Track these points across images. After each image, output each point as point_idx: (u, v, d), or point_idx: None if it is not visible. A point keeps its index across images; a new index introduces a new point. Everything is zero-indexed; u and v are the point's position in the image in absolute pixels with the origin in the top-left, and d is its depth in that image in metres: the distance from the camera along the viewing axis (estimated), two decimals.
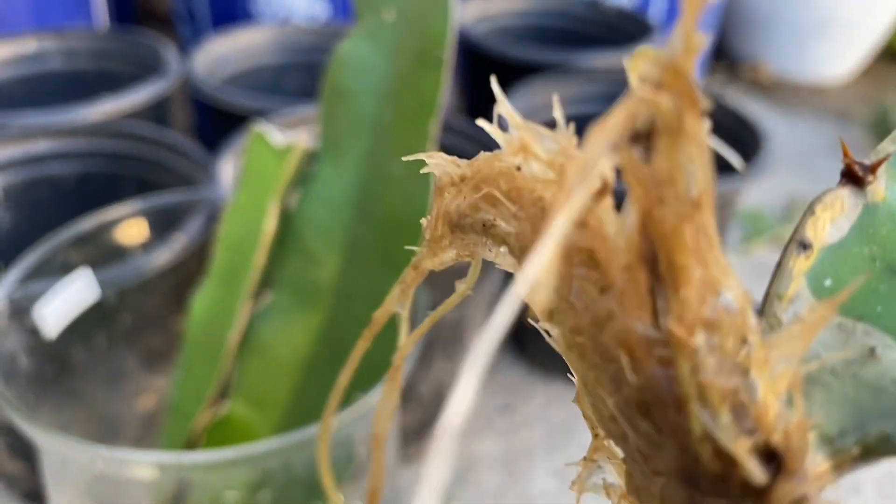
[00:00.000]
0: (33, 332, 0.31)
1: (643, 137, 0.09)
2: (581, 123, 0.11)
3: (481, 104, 0.64)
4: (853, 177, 0.12)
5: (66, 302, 0.33)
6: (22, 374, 0.30)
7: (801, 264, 0.12)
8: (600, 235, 0.10)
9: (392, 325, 0.34)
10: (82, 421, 0.38)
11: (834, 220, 0.13)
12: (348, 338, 0.32)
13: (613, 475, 0.14)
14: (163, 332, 0.40)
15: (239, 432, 0.33)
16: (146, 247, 0.36)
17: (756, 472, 0.09)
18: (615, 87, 0.57)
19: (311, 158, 0.32)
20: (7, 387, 0.28)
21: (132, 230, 0.35)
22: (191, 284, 0.40)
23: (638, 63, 0.09)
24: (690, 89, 0.09)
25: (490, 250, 0.13)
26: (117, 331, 0.37)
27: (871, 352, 0.11)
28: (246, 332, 0.33)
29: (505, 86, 0.46)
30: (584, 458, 0.15)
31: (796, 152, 0.81)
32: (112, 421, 0.39)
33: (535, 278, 0.10)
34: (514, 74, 0.57)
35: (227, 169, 0.43)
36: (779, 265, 0.11)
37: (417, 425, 0.47)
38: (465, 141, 0.47)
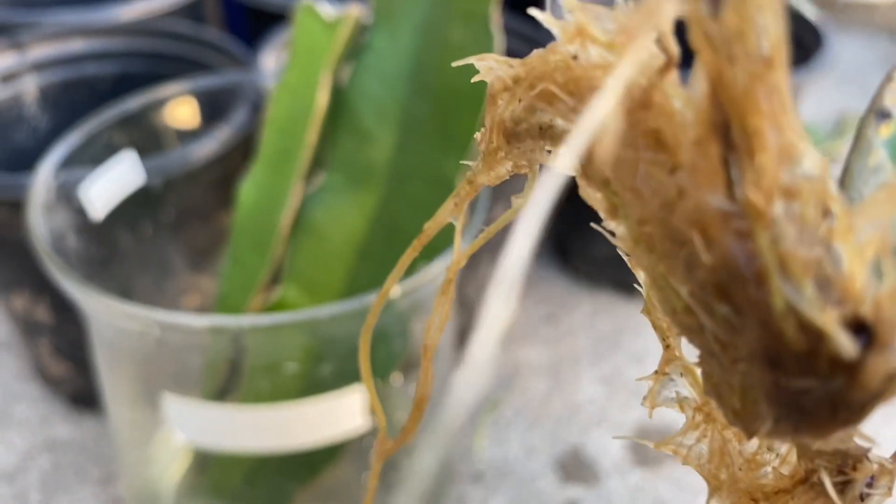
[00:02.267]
0: (80, 213, 0.31)
1: None
2: None
3: None
4: None
5: (111, 184, 0.32)
6: (72, 253, 0.30)
7: (881, 133, 0.11)
8: (667, 112, 0.10)
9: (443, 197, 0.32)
10: None
11: None
12: (403, 219, 0.31)
13: (687, 388, 0.14)
14: (206, 228, 0.40)
15: None
16: (192, 132, 0.35)
17: (846, 344, 0.09)
18: None
19: (363, 30, 0.31)
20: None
21: (178, 112, 0.34)
22: (233, 179, 0.39)
23: None
24: None
25: (548, 154, 0.12)
26: (162, 221, 0.36)
27: None
28: (298, 214, 0.32)
29: None
30: (656, 372, 0.14)
31: (847, 69, 0.79)
32: None
33: (595, 131, 0.09)
34: None
35: (269, 64, 0.42)
36: (857, 137, 0.11)
37: (464, 328, 0.46)
38: (518, 40, 0.45)
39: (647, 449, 0.44)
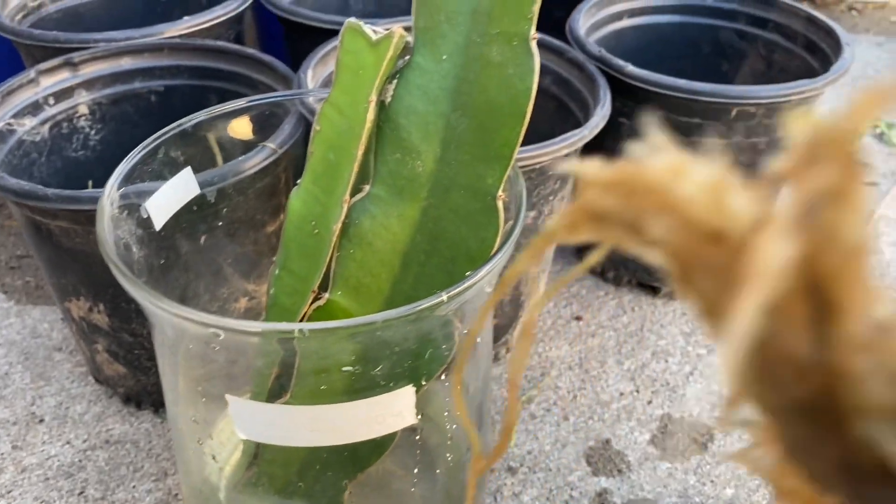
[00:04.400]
0: (143, 224, 0.33)
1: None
2: None
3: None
4: None
5: (170, 196, 0.34)
6: (135, 262, 0.32)
7: None
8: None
9: (491, 214, 0.34)
10: None
11: None
12: (445, 227, 0.33)
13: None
14: (253, 238, 0.42)
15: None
16: (242, 146, 0.37)
17: None
18: None
19: (406, 49, 0.32)
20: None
21: (230, 128, 0.36)
22: (277, 191, 0.41)
23: (800, 126, 0.10)
24: (852, 164, 0.10)
25: (633, 244, 0.13)
26: (215, 231, 0.38)
27: None
28: (345, 223, 0.34)
29: None
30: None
31: (858, 70, 0.80)
32: None
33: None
34: None
35: (310, 80, 0.44)
36: None
37: (497, 331, 0.48)
38: (549, 54, 0.47)
39: (673, 442, 0.45)
